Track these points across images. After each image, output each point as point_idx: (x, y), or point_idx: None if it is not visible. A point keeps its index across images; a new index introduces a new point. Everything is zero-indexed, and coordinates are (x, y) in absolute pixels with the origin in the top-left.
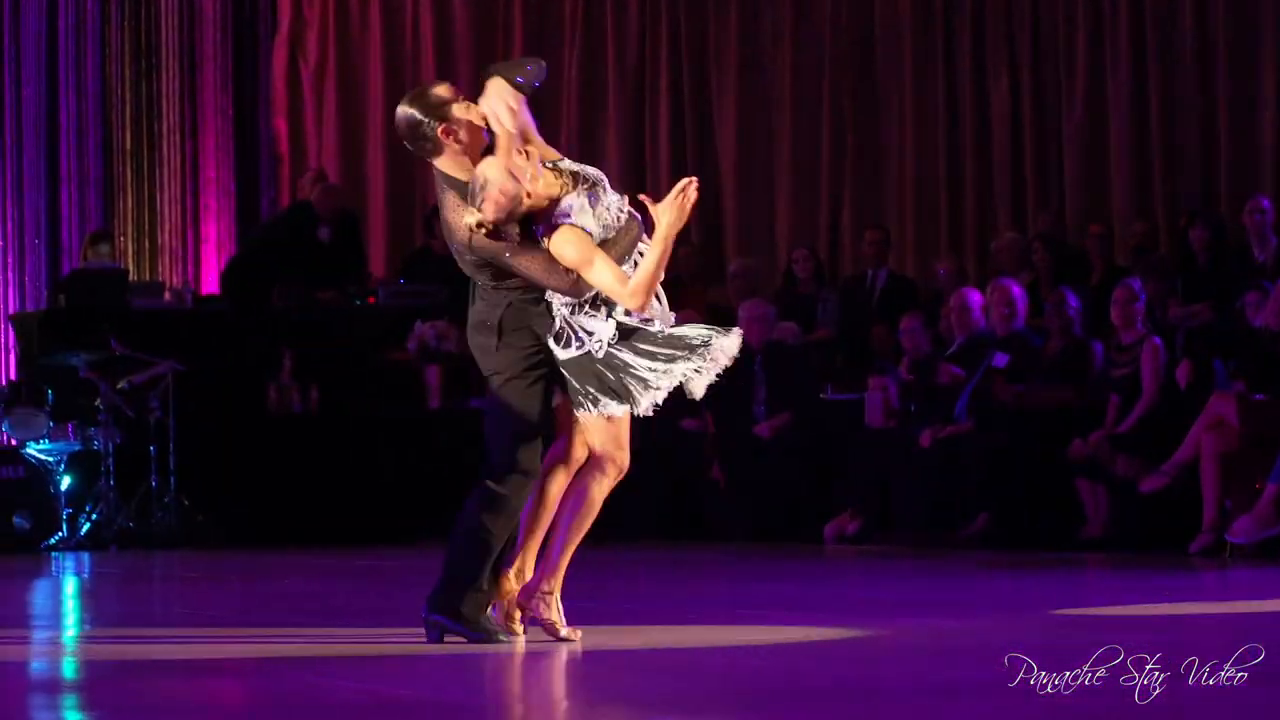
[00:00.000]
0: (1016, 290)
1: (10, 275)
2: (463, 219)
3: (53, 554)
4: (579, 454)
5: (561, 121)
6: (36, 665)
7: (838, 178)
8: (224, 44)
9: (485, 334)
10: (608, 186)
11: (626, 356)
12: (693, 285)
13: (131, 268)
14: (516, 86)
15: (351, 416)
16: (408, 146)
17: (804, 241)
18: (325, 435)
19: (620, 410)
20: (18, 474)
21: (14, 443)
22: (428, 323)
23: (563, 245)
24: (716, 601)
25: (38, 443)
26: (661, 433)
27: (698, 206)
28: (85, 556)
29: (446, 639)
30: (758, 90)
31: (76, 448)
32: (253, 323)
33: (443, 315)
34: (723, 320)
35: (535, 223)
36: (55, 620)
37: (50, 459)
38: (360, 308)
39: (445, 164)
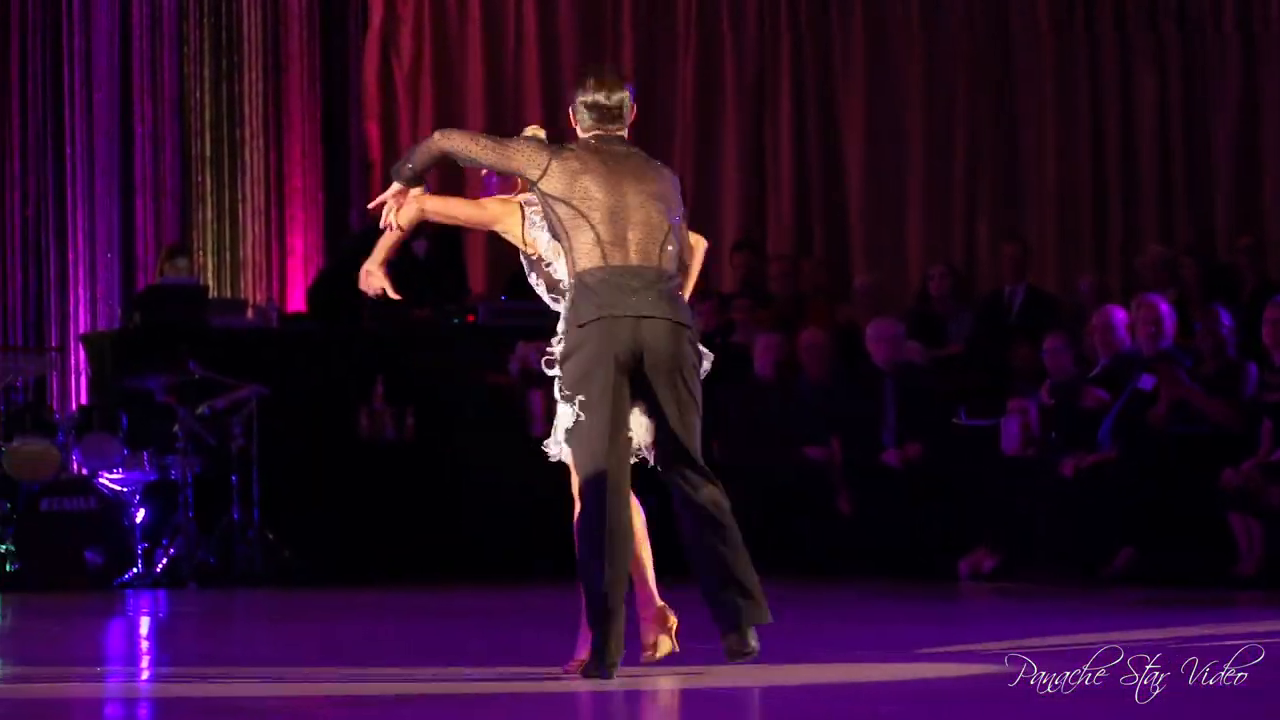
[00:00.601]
0: (1164, 307)
1: (81, 292)
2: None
3: (126, 591)
4: None
5: (676, 131)
6: (110, 712)
7: (972, 187)
8: (311, 42)
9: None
10: None
11: None
12: (817, 301)
13: (211, 284)
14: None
15: (448, 444)
16: None
17: (936, 256)
18: (420, 464)
19: None
20: (89, 506)
21: (85, 472)
22: (531, 343)
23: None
24: (844, 642)
25: (111, 472)
26: (784, 461)
27: (822, 217)
28: (161, 594)
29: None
30: (886, 94)
31: (152, 477)
32: (342, 343)
33: (547, 335)
34: (850, 340)
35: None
36: (130, 662)
37: (124, 489)
38: (458, 327)
39: None
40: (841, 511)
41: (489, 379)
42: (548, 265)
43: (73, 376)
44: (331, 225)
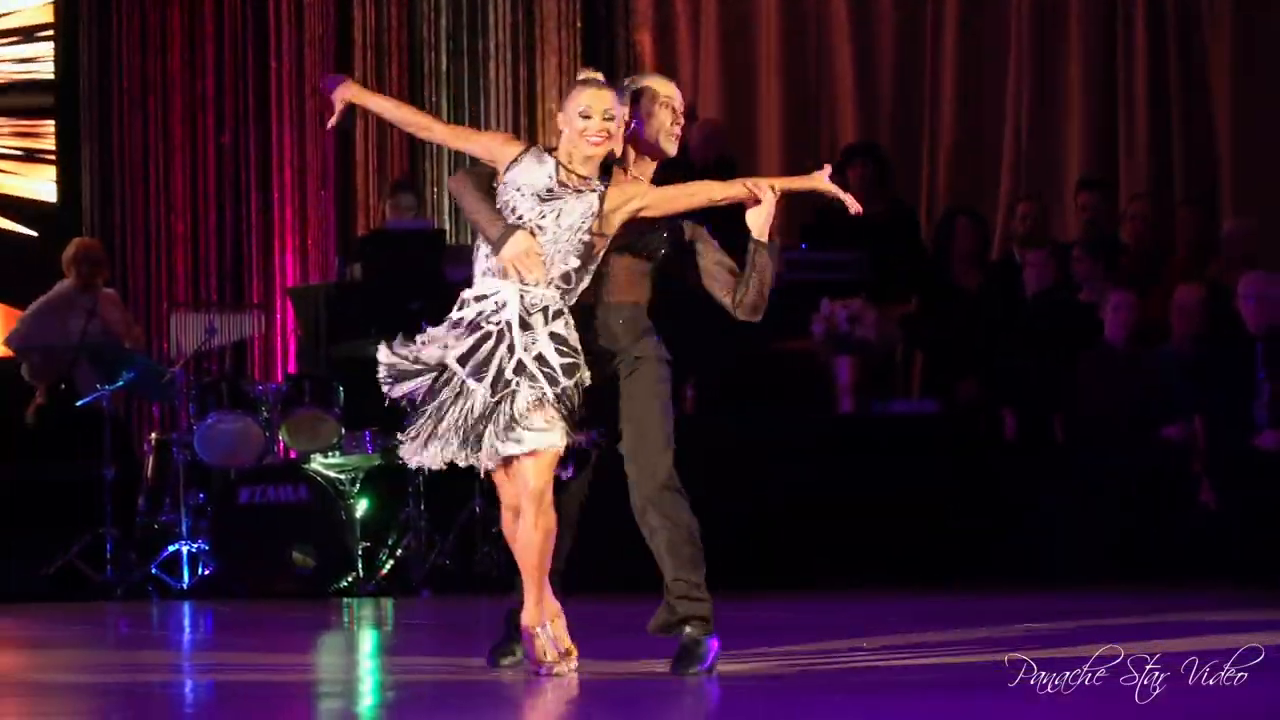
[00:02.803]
0: None
1: (289, 238)
2: None
3: (343, 600)
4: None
5: (1009, 48)
6: None
7: None
8: None
9: None
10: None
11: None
12: (1180, 251)
13: (447, 226)
14: None
15: (737, 421)
16: None
17: None
18: (701, 444)
19: None
20: (299, 496)
21: (293, 456)
22: (838, 301)
23: None
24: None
25: (325, 456)
26: (1138, 443)
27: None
28: (387, 603)
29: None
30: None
31: (376, 462)
32: None
33: (858, 292)
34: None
35: None
36: (347, 687)
37: (341, 477)
38: None
39: None
40: (1204, 505)
41: (786, 345)
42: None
43: (278, 340)
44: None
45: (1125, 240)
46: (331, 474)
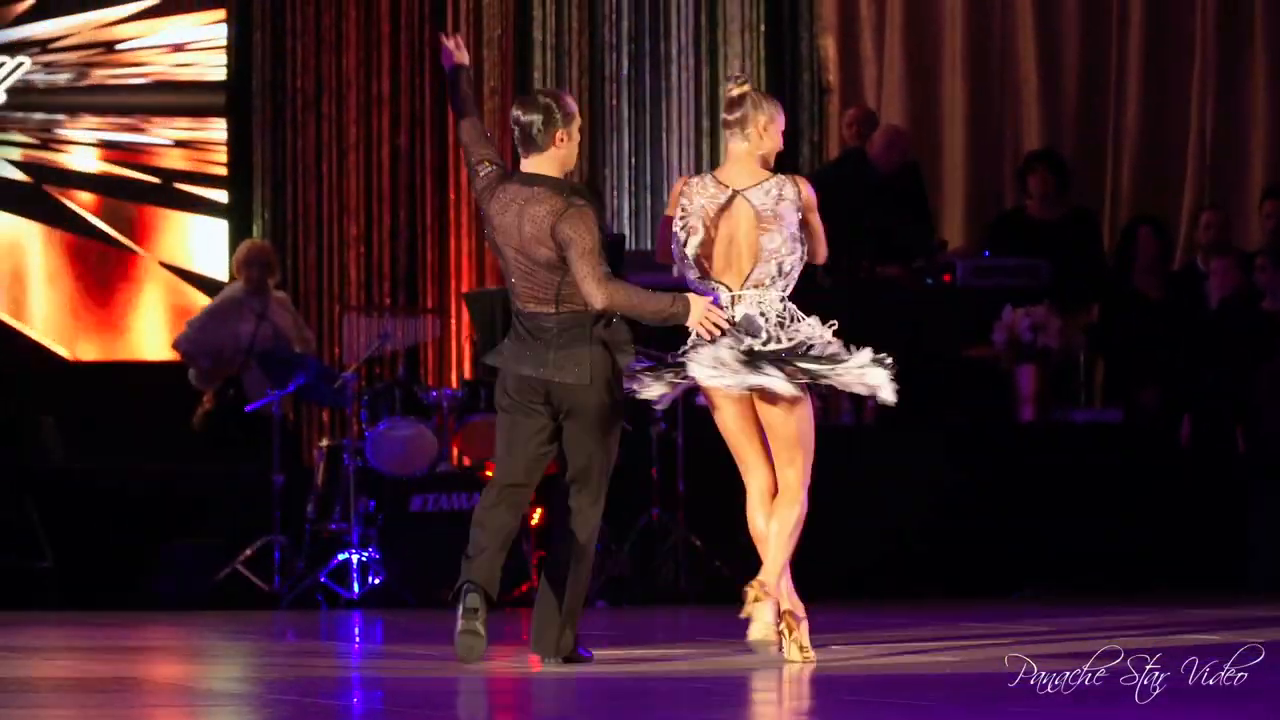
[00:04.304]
0: None
1: (465, 242)
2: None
3: (518, 610)
4: None
5: (1195, 57)
6: None
7: None
8: None
9: None
10: None
11: None
12: None
13: (627, 232)
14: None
15: (916, 430)
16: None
17: None
18: (881, 453)
19: None
20: (473, 505)
21: (468, 463)
22: (1021, 309)
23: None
24: None
25: None
26: None
27: None
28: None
29: None
30: None
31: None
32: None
33: (1041, 299)
34: None
35: None
36: (518, 698)
37: None
38: (932, 289)
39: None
40: None
41: (968, 352)
42: None
43: (453, 345)
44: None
45: None
46: None
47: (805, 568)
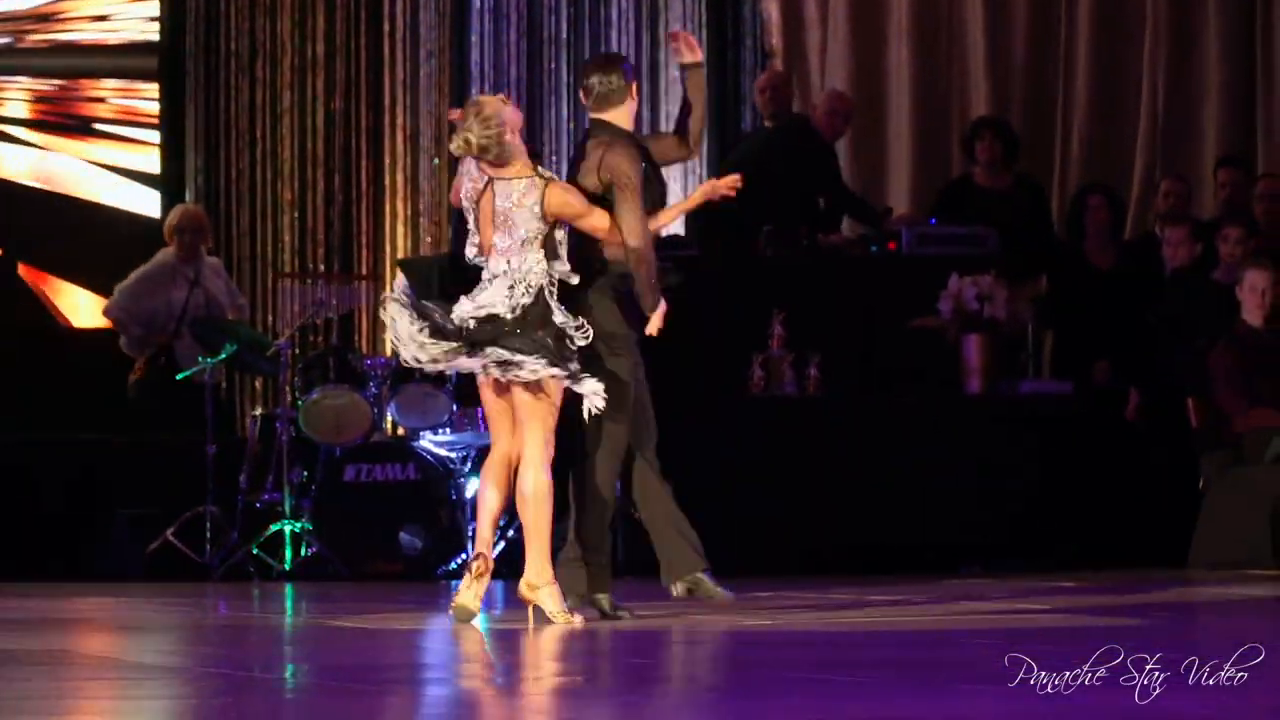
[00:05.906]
0: None
1: (400, 208)
2: None
3: (453, 583)
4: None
5: (1145, 21)
6: None
7: None
8: None
9: None
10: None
11: None
12: None
13: None
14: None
15: (861, 401)
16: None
17: None
18: (824, 425)
19: None
20: (408, 475)
21: (402, 433)
22: (967, 277)
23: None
24: None
25: (435, 433)
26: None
27: None
28: (497, 587)
29: None
30: None
31: (488, 440)
32: (731, 276)
33: (989, 268)
34: None
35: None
36: (450, 671)
37: (452, 455)
38: (876, 257)
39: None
40: None
41: (913, 323)
42: None
43: None
44: (717, 128)
45: (1257, 219)
46: (441, 452)
47: (748, 545)
